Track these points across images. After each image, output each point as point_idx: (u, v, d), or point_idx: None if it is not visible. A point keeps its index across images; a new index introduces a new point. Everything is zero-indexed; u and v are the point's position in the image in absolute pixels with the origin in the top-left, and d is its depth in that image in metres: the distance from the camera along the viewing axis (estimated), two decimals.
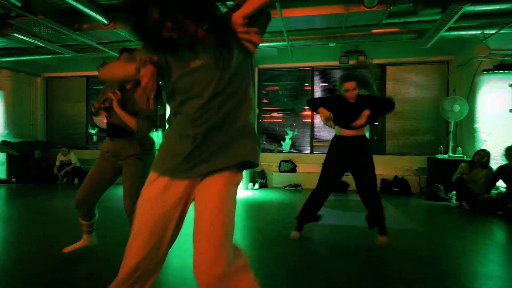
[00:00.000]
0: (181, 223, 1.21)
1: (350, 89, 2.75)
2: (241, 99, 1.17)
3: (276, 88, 7.09)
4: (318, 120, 6.61)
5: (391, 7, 4.16)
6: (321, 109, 2.80)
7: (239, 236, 3.10)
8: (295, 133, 6.86)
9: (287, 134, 6.94)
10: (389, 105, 2.75)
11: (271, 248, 2.73)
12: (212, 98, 1.12)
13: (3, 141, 6.93)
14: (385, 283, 2.11)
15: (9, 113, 7.30)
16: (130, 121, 2.15)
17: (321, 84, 6.74)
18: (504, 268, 2.42)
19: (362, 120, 2.68)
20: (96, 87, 7.90)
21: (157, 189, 1.18)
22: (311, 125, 6.68)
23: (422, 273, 2.24)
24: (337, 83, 2.89)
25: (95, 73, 7.23)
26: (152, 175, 1.22)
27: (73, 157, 6.89)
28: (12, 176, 6.90)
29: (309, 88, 6.80)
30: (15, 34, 4.86)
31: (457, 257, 2.64)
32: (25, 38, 5.06)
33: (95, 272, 2.19)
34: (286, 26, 4.71)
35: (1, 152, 7.00)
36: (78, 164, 6.94)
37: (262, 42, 1.07)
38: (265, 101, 7.09)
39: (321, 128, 6.63)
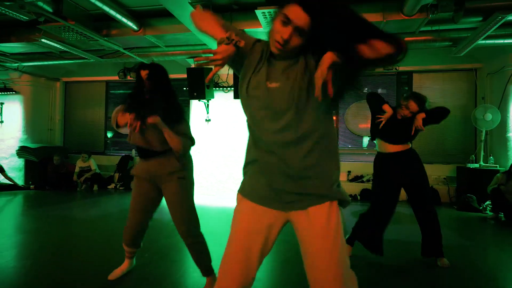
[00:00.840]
0: (270, 248, 1.17)
1: (410, 109, 2.67)
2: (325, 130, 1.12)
3: None
4: (342, 125, 6.50)
5: (431, 15, 4.07)
6: (387, 106, 2.74)
7: (275, 250, 2.99)
8: None
9: None
10: (444, 111, 2.69)
11: None
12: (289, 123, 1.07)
13: (22, 147, 6.86)
14: None
15: (28, 118, 7.23)
16: (172, 138, 1.92)
17: None
18: None
19: (418, 122, 2.61)
20: (114, 92, 7.84)
21: (246, 214, 1.16)
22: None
23: None
24: (402, 98, 2.82)
25: (115, 78, 7.16)
26: (247, 196, 1.19)
27: (93, 163, 6.80)
28: (30, 182, 6.81)
29: None
30: (43, 40, 4.80)
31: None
32: (52, 43, 4.99)
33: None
34: None
35: (20, 157, 6.92)
36: (98, 171, 6.85)
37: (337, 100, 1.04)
38: None
39: (345, 135, 6.53)
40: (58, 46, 5.13)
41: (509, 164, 4.76)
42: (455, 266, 2.63)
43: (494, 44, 4.78)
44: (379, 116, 2.77)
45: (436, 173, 5.95)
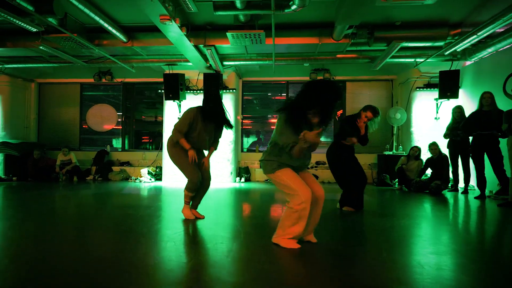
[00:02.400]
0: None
1: (368, 117, 3.95)
2: None
3: (250, 98, 8.41)
4: None
5: (352, 40, 5.64)
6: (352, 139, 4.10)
7: (237, 211, 4.25)
8: (261, 136, 8.26)
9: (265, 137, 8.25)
10: None
11: (260, 217, 3.95)
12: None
13: (3, 142, 7.32)
14: (364, 232, 3.41)
15: (7, 116, 7.69)
16: (212, 153, 3.29)
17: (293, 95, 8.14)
18: (428, 211, 3.93)
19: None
20: (88, 93, 8.54)
21: (291, 170, 2.45)
22: None
23: (388, 226, 3.61)
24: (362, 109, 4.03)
25: (90, 80, 7.94)
26: (285, 167, 2.45)
27: (73, 156, 7.50)
28: (11, 175, 7.30)
29: (283, 98, 8.17)
30: (41, 47, 5.57)
31: (400, 214, 4.08)
32: (47, 50, 5.76)
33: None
34: (274, 51, 6.02)
35: (1, 152, 7.37)
36: (78, 164, 7.55)
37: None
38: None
39: None
40: (51, 52, 5.90)
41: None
42: (375, 212, 4.08)
43: (399, 62, 6.55)
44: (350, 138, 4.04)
45: (364, 160, 7.58)
